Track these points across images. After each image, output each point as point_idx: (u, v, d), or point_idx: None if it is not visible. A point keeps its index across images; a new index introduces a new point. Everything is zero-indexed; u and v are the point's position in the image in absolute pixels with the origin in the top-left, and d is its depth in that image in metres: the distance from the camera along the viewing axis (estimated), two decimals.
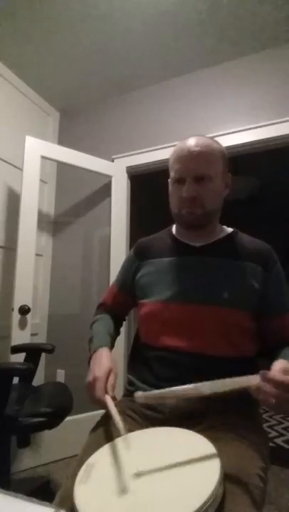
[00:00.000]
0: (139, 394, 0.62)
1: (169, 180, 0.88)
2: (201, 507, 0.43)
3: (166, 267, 0.86)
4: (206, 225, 0.84)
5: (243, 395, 0.71)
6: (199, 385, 0.59)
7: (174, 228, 0.95)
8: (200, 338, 0.77)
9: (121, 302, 1.02)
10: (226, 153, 0.86)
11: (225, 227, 0.92)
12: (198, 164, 0.78)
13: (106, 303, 1.04)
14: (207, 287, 0.79)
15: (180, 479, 0.50)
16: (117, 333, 0.99)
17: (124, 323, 1.09)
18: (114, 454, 0.59)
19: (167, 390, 0.61)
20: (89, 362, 0.81)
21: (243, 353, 0.79)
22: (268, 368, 0.65)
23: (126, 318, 1.08)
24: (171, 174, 0.84)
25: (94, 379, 0.71)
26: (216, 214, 0.86)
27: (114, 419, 0.62)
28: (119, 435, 0.63)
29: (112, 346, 0.88)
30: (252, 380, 0.56)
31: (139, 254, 0.95)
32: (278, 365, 0.61)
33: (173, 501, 0.45)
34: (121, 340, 1.92)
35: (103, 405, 0.68)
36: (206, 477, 0.49)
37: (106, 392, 0.70)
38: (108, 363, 0.76)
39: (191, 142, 0.80)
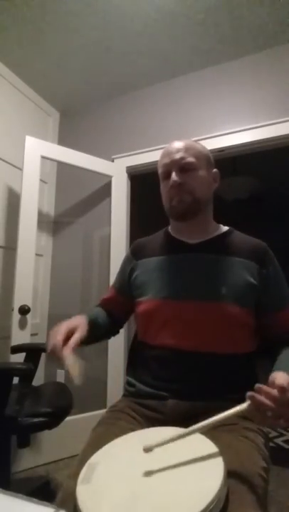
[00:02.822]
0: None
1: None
2: (206, 508, 0.43)
3: (163, 264, 0.87)
4: (198, 214, 0.85)
5: (243, 394, 0.71)
6: (195, 427, 0.57)
7: (170, 228, 0.96)
8: (198, 335, 0.77)
9: (119, 305, 1.00)
10: (209, 153, 0.90)
11: (221, 225, 0.92)
12: (181, 155, 0.83)
13: (104, 304, 1.03)
14: (204, 284, 0.80)
15: (184, 480, 0.49)
16: (110, 328, 0.98)
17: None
18: (117, 453, 0.59)
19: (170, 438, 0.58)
20: None
21: (242, 349, 0.79)
22: (267, 368, 0.65)
23: (123, 325, 1.05)
24: (159, 172, 0.89)
25: (53, 332, 0.71)
26: (206, 204, 0.87)
27: (67, 363, 0.61)
28: (119, 435, 0.63)
29: (96, 328, 0.86)
30: (241, 407, 0.55)
31: (135, 253, 0.96)
32: (280, 379, 0.56)
33: (177, 502, 0.45)
34: (121, 341, 1.92)
35: (57, 351, 0.66)
36: (209, 478, 0.48)
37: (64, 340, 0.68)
38: (73, 320, 0.76)
39: (175, 142, 0.87)
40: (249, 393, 0.54)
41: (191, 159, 0.83)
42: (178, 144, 0.85)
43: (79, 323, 0.75)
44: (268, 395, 0.53)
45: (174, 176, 0.82)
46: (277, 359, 0.74)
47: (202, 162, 0.85)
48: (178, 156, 0.83)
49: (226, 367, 0.77)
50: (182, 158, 0.82)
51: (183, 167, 0.82)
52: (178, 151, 0.83)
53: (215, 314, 0.77)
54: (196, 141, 0.91)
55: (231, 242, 0.86)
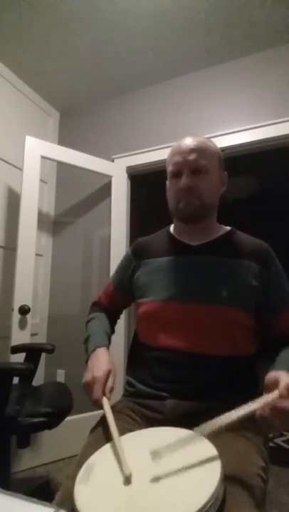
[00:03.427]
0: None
1: (167, 181, 0.89)
2: (203, 507, 0.43)
3: (164, 266, 0.86)
4: (204, 218, 0.85)
5: (243, 396, 0.71)
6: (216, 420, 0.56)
7: (171, 228, 0.96)
8: (199, 337, 0.77)
9: (116, 301, 1.02)
10: (221, 153, 0.88)
11: (222, 226, 0.92)
12: (195, 157, 0.80)
13: (101, 301, 1.04)
14: (205, 286, 0.79)
15: (181, 480, 0.49)
16: (112, 331, 1.00)
17: (123, 324, 1.09)
18: (115, 453, 0.59)
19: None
20: (87, 361, 0.82)
21: (243, 351, 0.79)
22: (267, 369, 0.65)
23: (120, 316, 1.09)
24: (169, 169, 0.86)
25: (93, 379, 0.72)
26: (213, 209, 0.87)
27: (110, 427, 0.62)
28: (119, 434, 0.63)
29: (109, 345, 0.89)
30: (264, 401, 0.56)
31: (136, 253, 0.95)
32: (284, 382, 0.57)
33: (174, 502, 0.45)
34: (121, 341, 1.92)
35: (100, 407, 0.69)
36: (206, 477, 0.48)
37: (104, 394, 0.71)
38: (107, 363, 0.77)
39: (188, 139, 0.84)
40: (257, 415, 0.56)
41: (204, 162, 0.80)
42: (192, 143, 0.81)
43: (110, 368, 0.77)
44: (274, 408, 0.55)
45: (184, 178, 0.80)
46: (278, 356, 0.74)
47: (214, 164, 0.83)
48: (191, 157, 0.80)
49: (226, 369, 0.77)
50: (195, 160, 0.80)
51: (195, 169, 0.80)
52: (192, 151, 0.80)
53: (215, 316, 0.77)
54: None
55: (233, 243, 0.86)
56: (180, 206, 0.83)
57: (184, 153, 0.81)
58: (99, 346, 0.84)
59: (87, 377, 0.74)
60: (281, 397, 0.55)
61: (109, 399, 0.71)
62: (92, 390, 0.71)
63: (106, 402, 0.69)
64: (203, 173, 0.80)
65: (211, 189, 0.83)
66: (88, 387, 0.72)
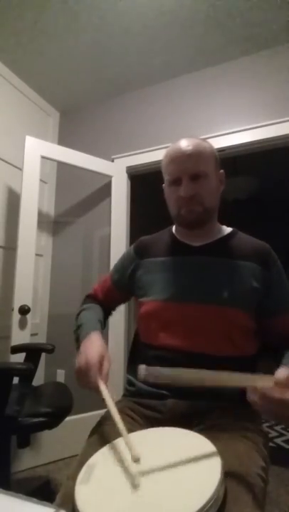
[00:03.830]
0: (142, 369, 0.56)
1: (163, 185, 0.88)
2: (203, 507, 0.43)
3: (166, 266, 0.86)
4: (207, 222, 0.85)
5: (243, 395, 0.71)
6: (203, 372, 0.56)
7: (174, 228, 0.95)
8: (199, 337, 0.77)
9: (113, 297, 1.01)
10: (216, 152, 0.86)
11: (224, 226, 0.92)
12: (192, 163, 0.79)
13: (97, 295, 1.03)
14: (206, 287, 0.80)
15: (181, 480, 0.49)
16: (105, 324, 0.98)
17: (123, 324, 1.07)
18: (115, 454, 0.59)
19: (171, 370, 0.58)
20: (78, 348, 0.79)
21: (243, 352, 0.79)
22: (268, 369, 0.65)
23: (112, 312, 1.07)
24: (166, 177, 0.84)
25: (86, 363, 0.68)
26: (214, 211, 0.87)
27: (111, 411, 0.61)
28: (118, 435, 0.63)
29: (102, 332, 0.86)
30: (258, 382, 0.55)
31: (139, 252, 0.95)
32: (283, 372, 0.56)
33: (174, 502, 0.45)
34: (121, 341, 1.92)
35: (96, 391, 0.66)
36: (207, 477, 0.48)
37: (100, 378, 0.68)
38: (101, 348, 0.74)
39: (182, 143, 0.81)
40: (251, 399, 0.55)
41: (202, 167, 0.79)
42: (187, 148, 0.79)
43: (103, 352, 0.73)
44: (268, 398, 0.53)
45: (185, 186, 0.79)
46: (284, 356, 0.72)
47: (212, 166, 0.82)
48: (189, 164, 0.78)
49: (226, 369, 0.76)
50: (194, 167, 0.78)
51: (194, 176, 0.79)
52: (189, 157, 0.78)
53: (216, 318, 0.77)
54: None
55: (235, 244, 0.85)
56: (182, 212, 0.82)
57: (181, 161, 0.79)
58: (92, 330, 0.81)
59: (80, 361, 0.70)
60: (276, 384, 0.54)
61: (105, 383, 0.67)
62: (87, 375, 0.67)
63: (103, 387, 0.66)
64: (202, 177, 0.79)
65: (212, 192, 0.82)
66: (81, 372, 0.68)
